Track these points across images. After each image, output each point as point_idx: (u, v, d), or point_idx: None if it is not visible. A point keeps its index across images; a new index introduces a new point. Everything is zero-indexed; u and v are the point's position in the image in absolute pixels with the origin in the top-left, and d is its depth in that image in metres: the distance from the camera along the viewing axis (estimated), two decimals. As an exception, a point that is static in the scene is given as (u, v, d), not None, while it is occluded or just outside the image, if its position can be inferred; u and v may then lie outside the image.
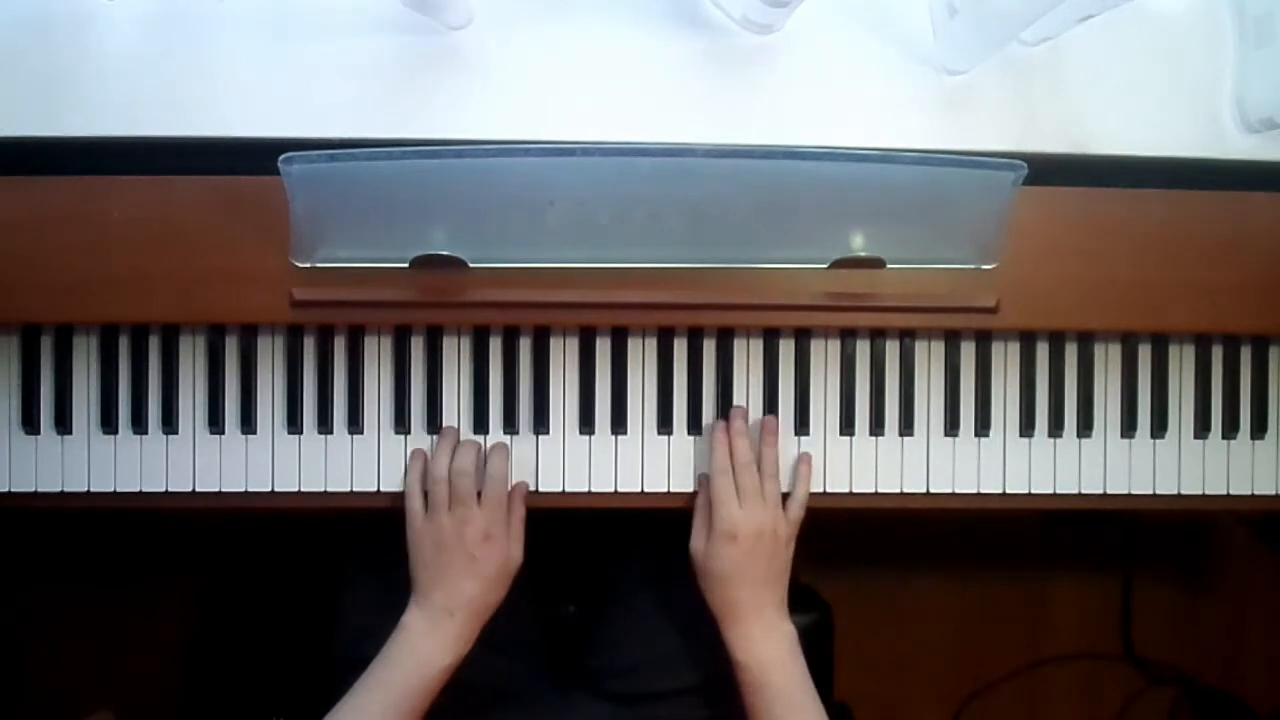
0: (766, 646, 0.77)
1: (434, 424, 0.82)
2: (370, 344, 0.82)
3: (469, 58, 0.79)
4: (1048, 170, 0.76)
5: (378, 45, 0.79)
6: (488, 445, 0.82)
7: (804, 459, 0.83)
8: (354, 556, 0.91)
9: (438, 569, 0.76)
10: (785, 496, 0.81)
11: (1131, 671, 1.47)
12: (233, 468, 0.82)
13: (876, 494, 0.84)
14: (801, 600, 0.92)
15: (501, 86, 0.79)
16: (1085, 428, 0.85)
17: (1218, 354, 0.86)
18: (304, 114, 0.79)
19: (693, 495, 0.83)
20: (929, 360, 0.84)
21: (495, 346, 0.83)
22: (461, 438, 0.82)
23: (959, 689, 1.44)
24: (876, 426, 0.84)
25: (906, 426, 0.84)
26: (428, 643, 0.75)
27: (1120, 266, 0.79)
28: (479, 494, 0.78)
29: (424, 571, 0.77)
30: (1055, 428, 0.84)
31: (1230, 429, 0.85)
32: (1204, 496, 0.86)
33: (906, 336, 0.84)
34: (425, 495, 0.79)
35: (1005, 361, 0.85)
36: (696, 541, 0.80)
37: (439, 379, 0.82)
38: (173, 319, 0.80)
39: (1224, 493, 0.86)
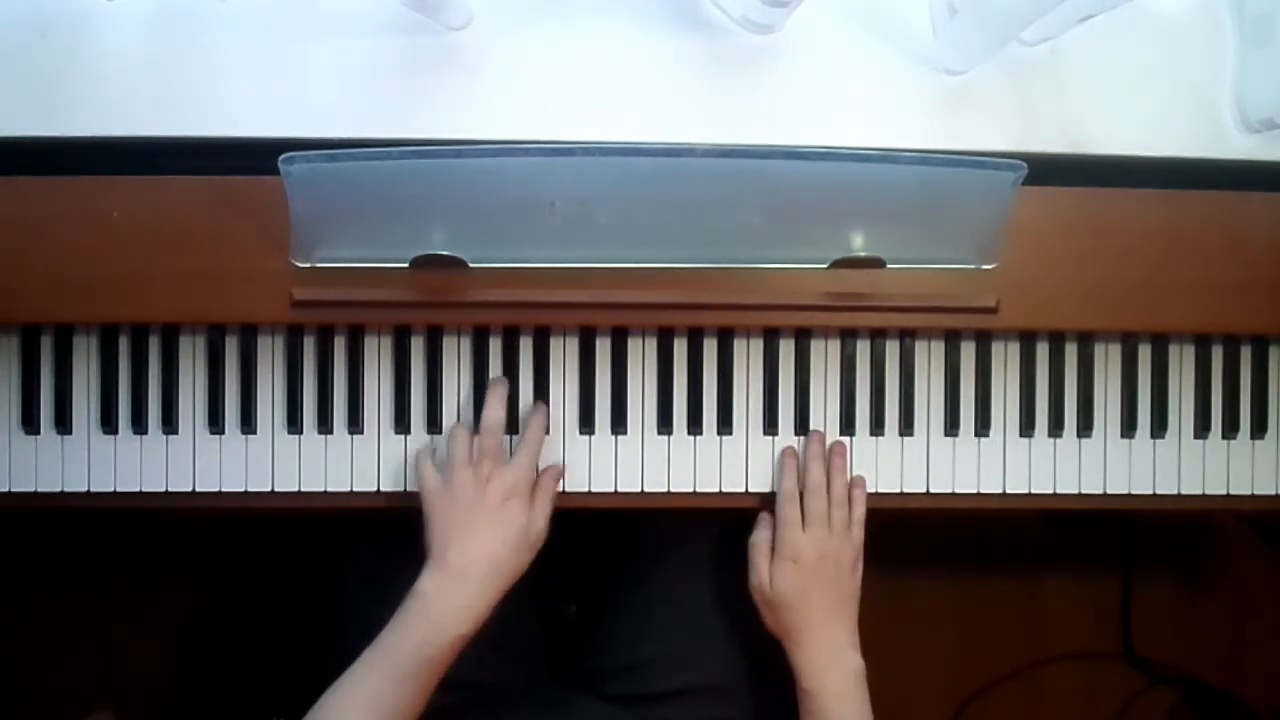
0: (831, 676, 0.77)
1: (434, 424, 0.82)
2: (370, 344, 0.82)
3: (469, 58, 0.79)
4: (1048, 170, 0.76)
5: (378, 45, 0.79)
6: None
7: (857, 481, 0.82)
8: (355, 556, 0.91)
9: (451, 527, 0.74)
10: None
11: (1131, 671, 1.47)
12: (233, 468, 0.82)
13: (876, 494, 0.84)
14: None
15: (501, 86, 0.79)
16: (1085, 428, 0.85)
17: (1218, 354, 0.86)
18: (304, 114, 0.79)
19: (691, 495, 0.83)
20: (929, 360, 0.84)
21: (495, 346, 0.83)
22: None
23: (959, 689, 1.44)
24: (876, 426, 0.84)
25: (906, 426, 0.84)
26: (440, 609, 0.72)
27: (1120, 266, 0.79)
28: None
29: (437, 531, 0.74)
30: (1055, 428, 0.84)
31: (1230, 429, 0.85)
32: (1204, 496, 0.85)
33: (906, 336, 0.84)
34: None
35: (1005, 361, 0.85)
36: (759, 576, 0.79)
37: (439, 379, 0.82)
38: (173, 319, 0.80)
39: (1224, 493, 0.86)
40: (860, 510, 0.81)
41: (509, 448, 0.81)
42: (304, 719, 0.70)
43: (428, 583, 0.73)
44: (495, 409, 0.78)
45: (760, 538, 0.80)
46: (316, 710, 0.71)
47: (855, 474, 0.83)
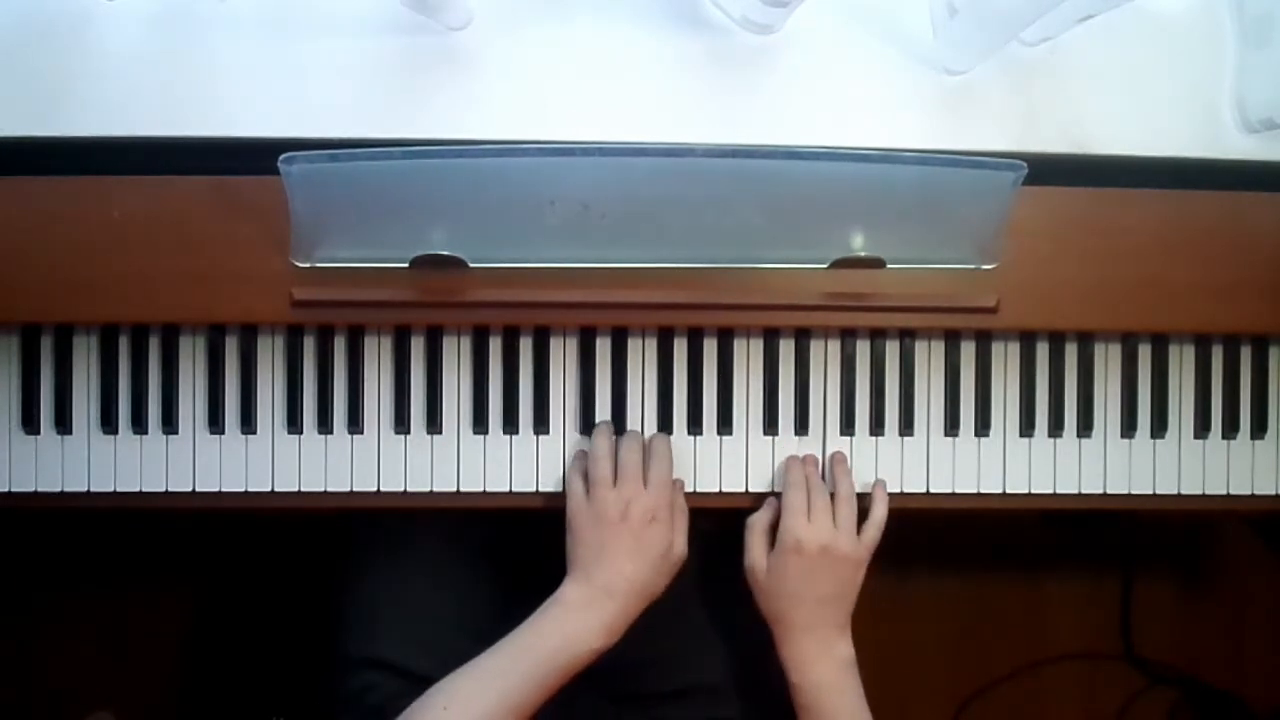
0: (821, 668, 0.76)
1: (434, 424, 0.82)
2: (370, 344, 0.82)
3: (469, 58, 0.79)
4: (1048, 170, 0.76)
5: (378, 45, 0.79)
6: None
7: (880, 483, 0.82)
8: (355, 555, 0.91)
9: (599, 548, 0.75)
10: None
11: (1131, 671, 1.47)
12: (233, 468, 0.82)
13: (876, 494, 0.84)
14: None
15: (501, 86, 0.79)
16: (1085, 428, 0.85)
17: (1218, 354, 0.86)
18: (304, 114, 0.79)
19: (691, 495, 0.83)
20: (929, 360, 0.84)
21: (495, 346, 0.83)
22: (461, 438, 0.82)
23: (959, 689, 1.44)
24: (876, 426, 0.84)
25: (906, 426, 0.84)
26: (582, 622, 0.74)
27: (1120, 266, 0.79)
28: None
29: (584, 550, 0.75)
30: (1055, 428, 0.84)
31: (1230, 429, 0.85)
32: (1204, 496, 0.85)
33: (906, 336, 0.84)
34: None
35: (1005, 361, 0.85)
36: (754, 558, 0.79)
37: (439, 379, 0.82)
38: (173, 319, 0.80)
39: (1224, 493, 0.86)
40: (880, 510, 0.80)
41: (511, 446, 0.81)
42: (428, 693, 0.72)
43: (572, 593, 0.75)
44: (633, 436, 0.80)
45: (760, 518, 0.80)
46: (440, 689, 0.72)
47: (879, 478, 0.83)
